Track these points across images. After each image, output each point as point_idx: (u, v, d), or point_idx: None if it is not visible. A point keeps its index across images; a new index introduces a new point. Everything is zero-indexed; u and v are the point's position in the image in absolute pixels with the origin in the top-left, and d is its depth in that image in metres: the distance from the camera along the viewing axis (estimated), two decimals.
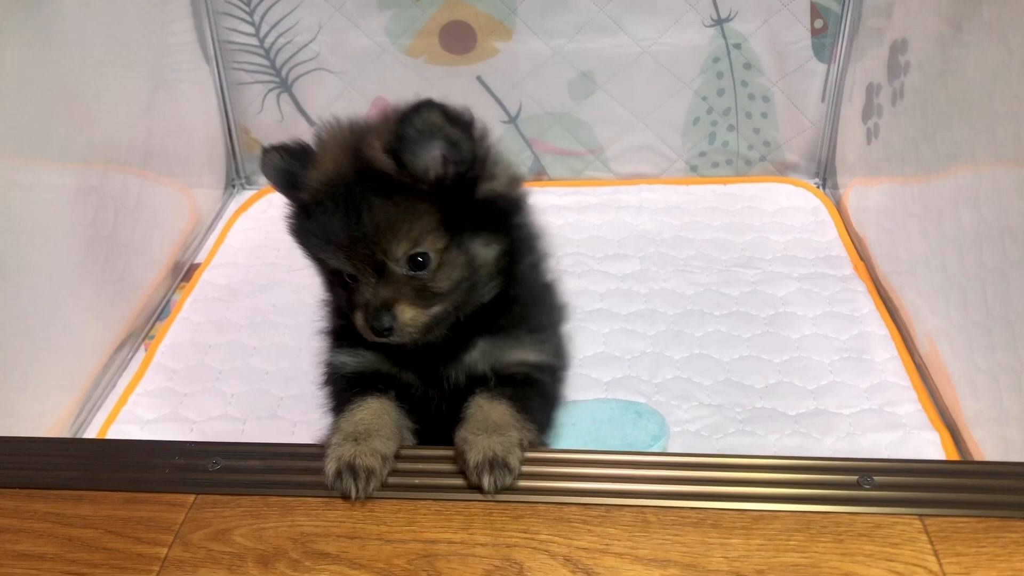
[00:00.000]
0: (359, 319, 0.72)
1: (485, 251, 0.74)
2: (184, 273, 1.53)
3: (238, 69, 1.67)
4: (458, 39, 1.62)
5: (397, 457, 0.68)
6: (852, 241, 1.52)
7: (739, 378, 1.25)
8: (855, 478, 0.65)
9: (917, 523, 0.62)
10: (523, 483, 0.65)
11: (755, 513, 0.63)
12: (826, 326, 1.34)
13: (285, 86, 1.68)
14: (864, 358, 1.28)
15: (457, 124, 0.70)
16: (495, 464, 0.65)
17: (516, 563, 0.60)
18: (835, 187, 1.66)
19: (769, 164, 1.71)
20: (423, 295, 0.71)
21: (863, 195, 1.53)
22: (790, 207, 1.63)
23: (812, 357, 1.28)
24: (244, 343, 1.34)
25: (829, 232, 1.56)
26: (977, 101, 1.08)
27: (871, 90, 1.45)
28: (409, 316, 0.71)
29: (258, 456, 0.68)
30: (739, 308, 1.38)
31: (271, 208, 1.69)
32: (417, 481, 0.66)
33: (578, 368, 1.27)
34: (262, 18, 1.61)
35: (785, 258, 1.49)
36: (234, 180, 1.77)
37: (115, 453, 0.70)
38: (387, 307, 0.71)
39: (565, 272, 1.47)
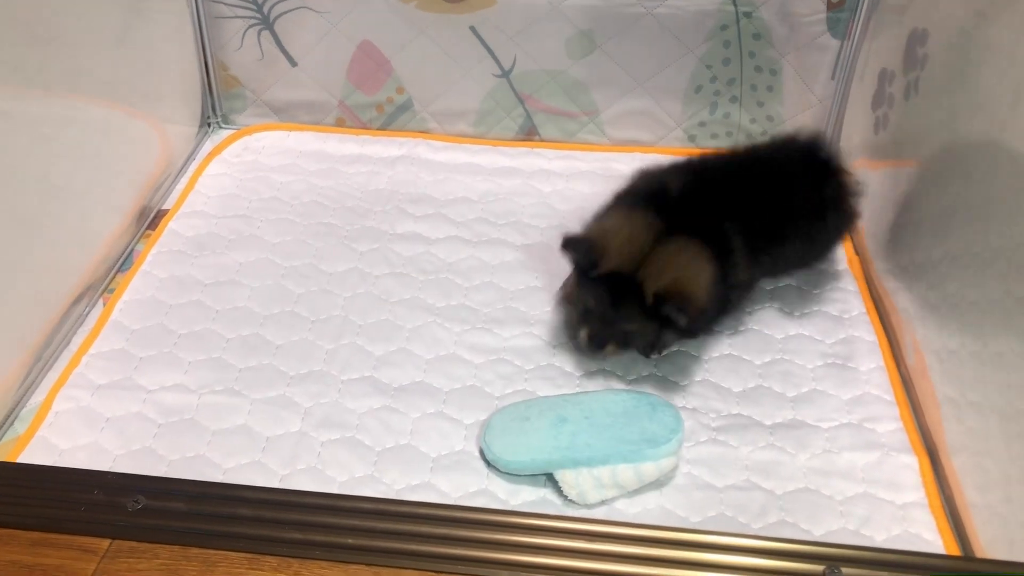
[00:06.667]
0: (583, 334, 1.16)
1: (666, 340, 1.18)
2: (150, 220, 1.46)
3: (217, 2, 1.56)
4: None
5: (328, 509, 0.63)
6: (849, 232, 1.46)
7: (717, 379, 1.20)
8: (821, 568, 0.60)
9: None
10: (470, 553, 0.61)
11: None
12: (812, 327, 1.28)
13: (267, 23, 1.58)
14: (848, 366, 1.23)
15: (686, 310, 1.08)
16: None
17: None
18: None
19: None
20: (622, 344, 1.17)
21: (865, 181, 1.45)
22: None
23: (795, 361, 1.23)
24: (206, 305, 1.28)
25: None
26: (1004, 103, 1.00)
27: (884, 77, 1.37)
28: (610, 352, 1.18)
29: (183, 497, 0.63)
30: None
31: (246, 152, 1.61)
32: (351, 542, 0.61)
33: (552, 359, 1.22)
34: None
35: None
36: (210, 118, 1.68)
37: (30, 482, 0.65)
38: (602, 340, 1.16)
39: (548, 246, 1.41)
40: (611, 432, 1.06)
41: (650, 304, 1.09)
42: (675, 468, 1.07)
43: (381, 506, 0.64)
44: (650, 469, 1.04)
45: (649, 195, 1.19)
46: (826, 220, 1.26)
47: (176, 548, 0.60)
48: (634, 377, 1.20)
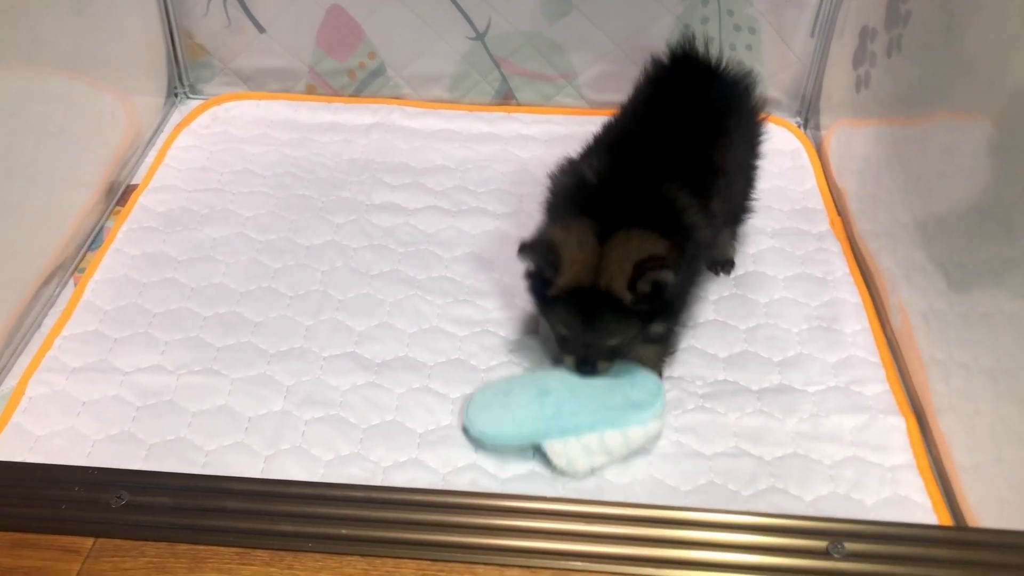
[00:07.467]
0: (569, 360, 1.08)
1: (653, 332, 1.08)
2: (119, 196, 1.42)
3: None
4: None
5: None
6: (831, 192, 1.45)
7: (703, 345, 1.19)
8: (824, 544, 0.59)
9: None
10: (465, 539, 0.60)
11: None
12: (796, 289, 1.28)
13: None
14: (833, 328, 1.22)
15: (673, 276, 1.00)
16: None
17: None
18: (817, 128, 1.58)
19: None
20: (611, 359, 1.07)
21: (847, 140, 1.44)
22: (770, 149, 1.52)
23: (780, 325, 1.22)
24: (180, 283, 1.25)
25: (807, 180, 1.48)
26: (988, 62, 0.98)
27: (865, 34, 1.35)
28: (603, 369, 1.07)
29: (168, 491, 0.61)
30: None
31: (215, 123, 1.57)
32: (344, 532, 0.60)
33: (536, 330, 1.20)
34: None
35: (761, 209, 1.40)
36: (176, 88, 1.64)
37: (5, 480, 0.62)
38: (592, 362, 1.07)
39: (529, 214, 1.39)
40: (595, 400, 1.05)
41: (629, 303, 1.00)
42: (660, 432, 1.06)
43: (373, 494, 0.63)
44: (637, 433, 1.03)
45: (575, 195, 1.09)
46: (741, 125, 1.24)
47: (163, 545, 0.58)
48: None
